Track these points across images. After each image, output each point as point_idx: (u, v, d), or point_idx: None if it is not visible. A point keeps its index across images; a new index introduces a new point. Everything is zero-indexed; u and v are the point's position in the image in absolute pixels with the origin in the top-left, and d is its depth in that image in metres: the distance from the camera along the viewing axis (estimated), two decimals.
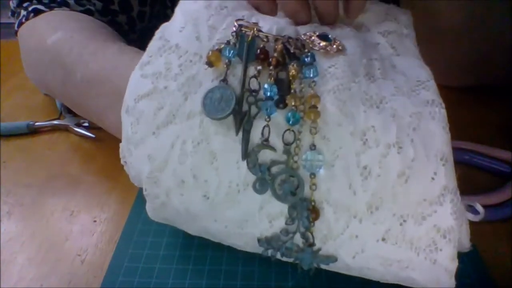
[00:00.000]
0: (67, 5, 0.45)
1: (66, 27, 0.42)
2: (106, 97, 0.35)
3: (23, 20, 0.45)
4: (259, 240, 0.25)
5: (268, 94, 0.23)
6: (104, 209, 0.36)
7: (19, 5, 0.46)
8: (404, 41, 0.28)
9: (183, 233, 0.33)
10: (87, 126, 0.46)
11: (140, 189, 0.37)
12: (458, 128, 0.43)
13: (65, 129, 0.47)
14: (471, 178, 0.38)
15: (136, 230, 0.33)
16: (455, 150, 0.39)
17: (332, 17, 0.29)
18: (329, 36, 0.26)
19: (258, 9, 0.29)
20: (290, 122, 0.23)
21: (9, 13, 0.49)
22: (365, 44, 0.27)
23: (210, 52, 0.24)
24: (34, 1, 0.45)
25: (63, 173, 0.41)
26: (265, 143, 0.23)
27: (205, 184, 0.25)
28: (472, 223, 0.33)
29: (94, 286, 0.30)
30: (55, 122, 0.47)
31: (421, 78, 0.25)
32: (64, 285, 0.30)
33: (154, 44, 0.27)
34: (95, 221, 0.35)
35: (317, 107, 0.23)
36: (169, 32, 0.27)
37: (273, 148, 0.23)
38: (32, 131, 0.46)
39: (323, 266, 0.25)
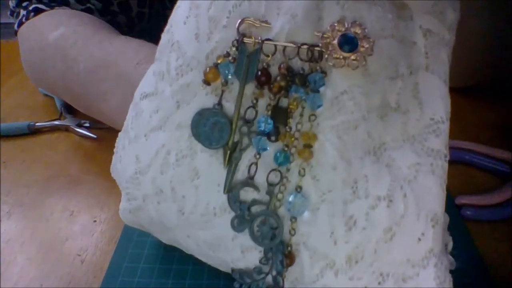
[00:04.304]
0: (67, 3, 0.45)
1: (68, 23, 0.42)
2: (111, 80, 0.34)
3: (23, 19, 0.45)
4: (233, 270, 0.25)
5: (262, 128, 0.22)
6: (104, 209, 0.36)
7: (19, 4, 0.46)
8: (440, 51, 0.24)
9: None
10: (88, 126, 0.46)
11: None
12: (459, 128, 0.44)
13: (65, 129, 0.47)
14: (471, 178, 0.38)
15: (136, 230, 0.33)
16: (455, 150, 0.40)
17: None
18: (358, 33, 0.21)
19: None
20: (278, 162, 0.22)
21: (8, 13, 0.49)
22: (400, 45, 0.23)
23: (208, 69, 0.23)
24: (34, 0, 0.45)
25: (63, 173, 0.41)
26: (250, 181, 0.22)
27: (182, 199, 0.24)
28: (472, 223, 0.33)
29: (94, 286, 0.30)
30: (56, 122, 0.47)
31: (436, 116, 0.23)
32: (64, 285, 0.30)
33: (163, 37, 0.26)
34: (95, 221, 0.35)
35: (311, 146, 0.22)
36: (176, 23, 0.25)
37: (257, 188, 0.22)
38: (33, 131, 0.46)
39: None
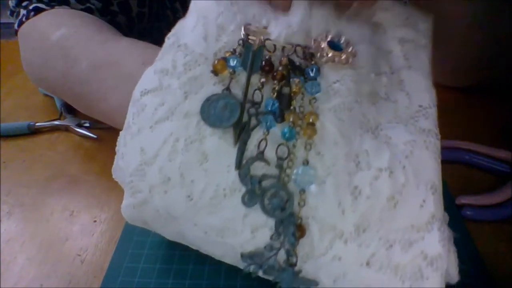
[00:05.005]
0: (67, 3, 0.45)
1: (70, 23, 0.42)
2: (113, 79, 0.35)
3: (24, 19, 0.45)
4: (242, 255, 0.25)
5: (270, 108, 0.24)
6: (104, 209, 0.36)
7: (18, 4, 0.46)
8: (419, 53, 0.28)
9: None
10: (88, 126, 0.46)
11: None
12: (459, 128, 0.44)
13: (65, 129, 0.47)
14: (471, 178, 0.38)
15: (136, 230, 0.33)
16: (455, 150, 0.40)
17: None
18: (341, 43, 0.26)
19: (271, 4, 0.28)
20: (286, 137, 0.23)
21: (8, 13, 0.49)
22: (378, 51, 0.27)
23: (216, 61, 0.25)
24: (34, 0, 0.45)
25: (63, 173, 0.41)
26: (260, 156, 0.23)
27: (191, 184, 0.24)
28: (472, 223, 0.33)
29: (94, 286, 0.30)
30: (56, 122, 0.47)
31: (423, 104, 0.25)
32: (64, 285, 0.30)
33: (167, 41, 0.27)
34: (95, 221, 0.35)
35: (314, 124, 0.23)
36: (182, 31, 0.27)
37: (267, 162, 0.23)
38: (33, 132, 0.46)
39: None
